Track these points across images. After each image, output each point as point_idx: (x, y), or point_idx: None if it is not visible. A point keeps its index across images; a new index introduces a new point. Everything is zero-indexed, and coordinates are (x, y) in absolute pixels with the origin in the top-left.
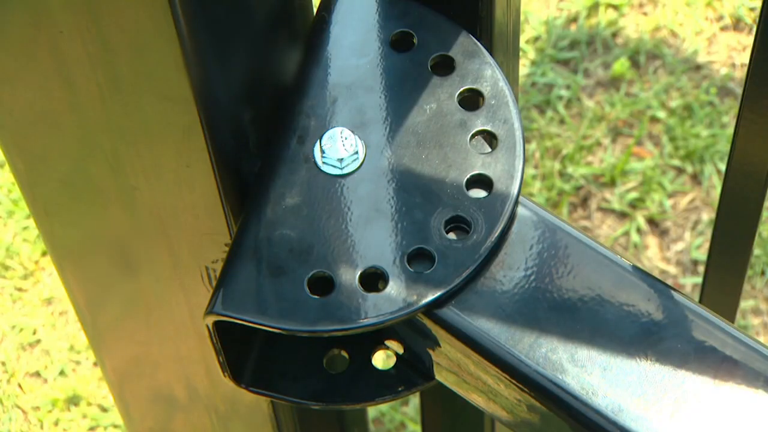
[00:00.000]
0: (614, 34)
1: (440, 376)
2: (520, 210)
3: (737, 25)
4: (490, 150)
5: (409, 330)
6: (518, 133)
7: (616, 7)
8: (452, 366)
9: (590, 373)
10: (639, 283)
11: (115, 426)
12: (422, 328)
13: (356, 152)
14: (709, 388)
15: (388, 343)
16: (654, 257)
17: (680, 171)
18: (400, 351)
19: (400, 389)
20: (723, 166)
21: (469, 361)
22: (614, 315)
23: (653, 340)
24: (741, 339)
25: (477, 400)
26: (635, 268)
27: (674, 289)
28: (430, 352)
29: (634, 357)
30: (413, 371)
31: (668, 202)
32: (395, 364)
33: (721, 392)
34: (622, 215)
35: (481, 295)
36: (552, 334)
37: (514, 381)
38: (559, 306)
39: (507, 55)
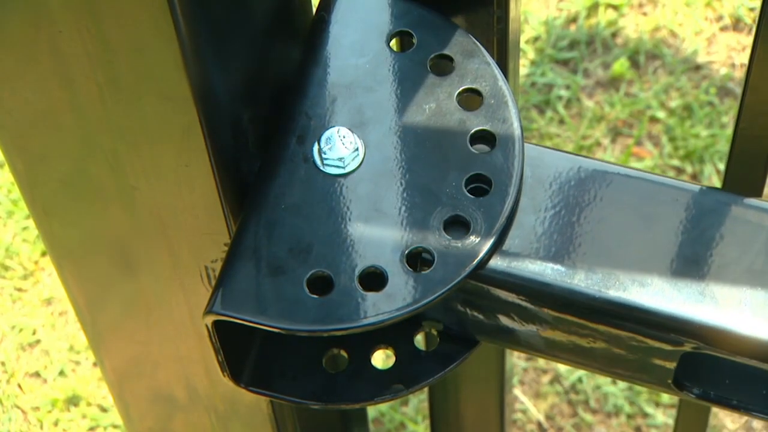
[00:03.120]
0: (614, 34)
1: (487, 338)
2: (529, 152)
3: (737, 25)
4: (489, 149)
5: (450, 303)
6: (517, 133)
7: (615, 7)
8: (504, 322)
9: (651, 283)
10: (662, 188)
11: (115, 426)
12: (470, 294)
13: (356, 151)
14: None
15: (426, 323)
16: None
17: (680, 171)
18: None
19: (400, 388)
20: (722, 166)
21: (526, 310)
22: (651, 224)
23: (696, 233)
24: None
25: (529, 346)
26: (651, 174)
27: (693, 183)
28: (479, 316)
29: (685, 256)
30: (455, 344)
31: None
32: (393, 364)
33: None
34: None
35: (520, 244)
36: (600, 259)
37: (579, 313)
38: (596, 231)
39: (512, 56)
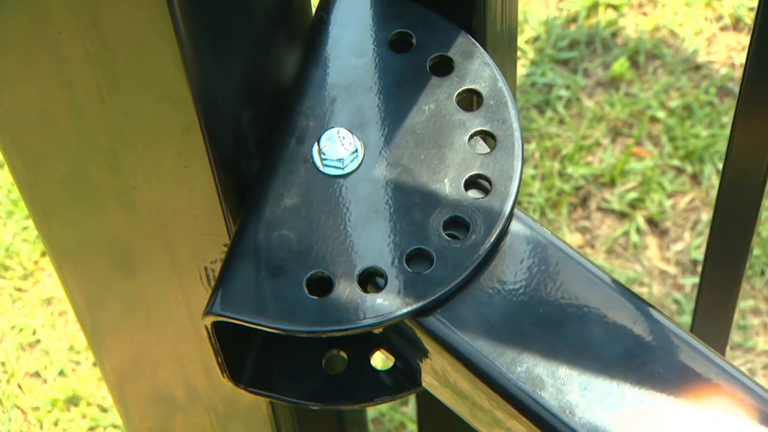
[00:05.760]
0: (614, 34)
1: (426, 384)
2: (514, 223)
3: (737, 25)
4: (488, 150)
5: (398, 337)
6: (517, 134)
7: (615, 7)
8: (438, 374)
9: (570, 391)
10: (627, 304)
11: (115, 426)
12: (410, 335)
13: (355, 152)
14: (687, 415)
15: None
16: (653, 257)
17: (680, 171)
18: (391, 358)
19: (398, 390)
20: (722, 166)
21: (453, 370)
22: (599, 334)
23: (636, 363)
24: (725, 368)
25: (460, 409)
26: (624, 288)
27: (661, 313)
28: (417, 359)
29: (616, 378)
30: (403, 376)
31: (668, 202)
32: (392, 365)
33: (700, 421)
34: (622, 215)
35: (468, 306)
36: (536, 349)
37: (493, 393)
38: (545, 322)
39: (505, 55)
